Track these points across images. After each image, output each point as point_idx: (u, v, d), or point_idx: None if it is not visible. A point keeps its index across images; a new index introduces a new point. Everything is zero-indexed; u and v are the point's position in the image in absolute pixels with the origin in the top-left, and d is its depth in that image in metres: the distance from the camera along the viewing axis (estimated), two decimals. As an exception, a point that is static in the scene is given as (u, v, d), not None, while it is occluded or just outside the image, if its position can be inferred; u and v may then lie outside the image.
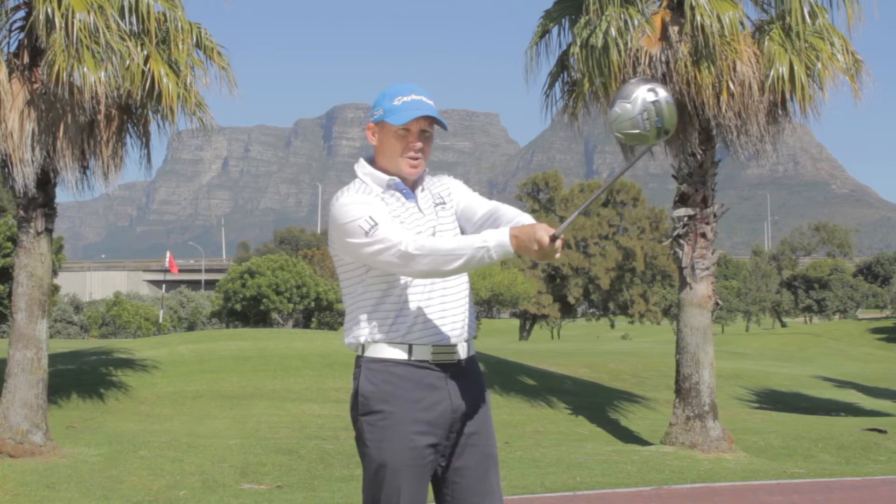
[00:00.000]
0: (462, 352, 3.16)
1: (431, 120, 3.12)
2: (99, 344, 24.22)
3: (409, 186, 3.19)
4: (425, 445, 3.06)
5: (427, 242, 2.94)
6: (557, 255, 2.82)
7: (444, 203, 3.21)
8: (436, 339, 3.10)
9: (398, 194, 3.17)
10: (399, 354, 3.10)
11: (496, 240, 2.84)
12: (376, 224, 2.99)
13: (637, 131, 2.73)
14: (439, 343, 3.10)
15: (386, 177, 3.16)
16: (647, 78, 2.79)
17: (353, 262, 3.13)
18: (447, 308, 3.12)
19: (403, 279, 3.09)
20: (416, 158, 3.14)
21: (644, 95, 2.71)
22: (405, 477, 3.04)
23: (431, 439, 3.08)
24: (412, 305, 3.09)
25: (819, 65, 10.72)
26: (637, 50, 10.58)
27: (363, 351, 3.15)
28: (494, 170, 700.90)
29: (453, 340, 3.12)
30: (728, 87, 10.56)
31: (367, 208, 3.04)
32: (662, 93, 2.75)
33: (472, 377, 3.20)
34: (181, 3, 10.11)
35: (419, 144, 3.13)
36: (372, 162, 3.23)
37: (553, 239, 2.77)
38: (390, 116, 3.10)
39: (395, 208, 3.13)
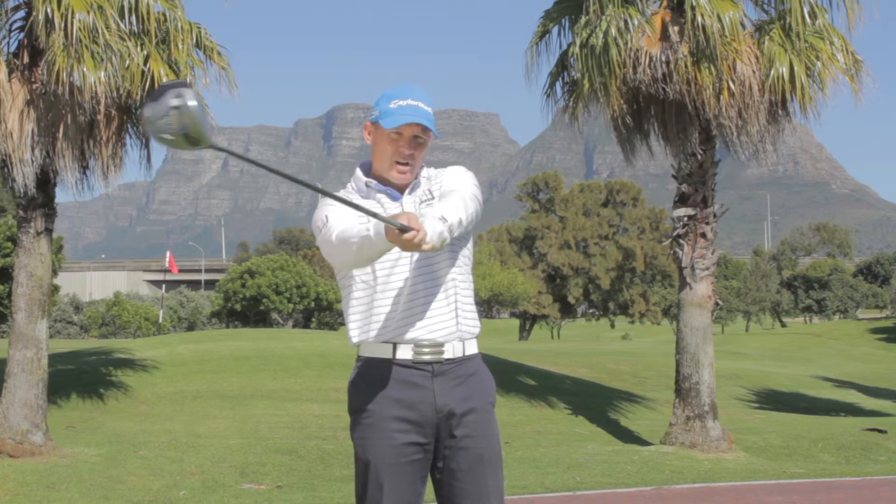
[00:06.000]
0: (451, 351, 3.12)
1: (426, 126, 3.11)
2: (99, 344, 24.22)
3: (399, 188, 3.19)
4: (407, 443, 3.06)
5: (346, 232, 2.93)
6: (438, 246, 2.72)
7: (432, 198, 3.19)
8: (420, 337, 3.08)
9: (382, 196, 3.17)
10: (384, 353, 3.10)
11: (375, 228, 2.77)
12: (327, 221, 3.04)
13: (167, 136, 2.56)
14: (423, 342, 3.09)
15: (364, 179, 3.20)
16: (179, 82, 2.60)
17: None
18: (434, 306, 3.10)
19: (385, 277, 3.09)
20: (406, 165, 3.13)
21: (168, 102, 2.54)
22: (388, 474, 3.05)
23: (414, 437, 3.07)
24: (396, 304, 3.09)
25: (819, 65, 10.72)
26: (637, 50, 10.58)
27: (358, 350, 3.19)
28: (494, 170, 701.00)
29: (440, 339, 3.10)
30: (728, 87, 10.55)
31: (327, 209, 3.10)
32: (184, 100, 2.54)
33: (465, 377, 3.15)
34: (181, 3, 10.10)
35: (408, 151, 3.12)
36: (368, 165, 3.25)
37: (402, 230, 2.66)
38: (384, 119, 3.10)
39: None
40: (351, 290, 3.16)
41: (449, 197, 3.03)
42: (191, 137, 2.57)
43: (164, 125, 2.55)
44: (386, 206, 3.16)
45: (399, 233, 2.65)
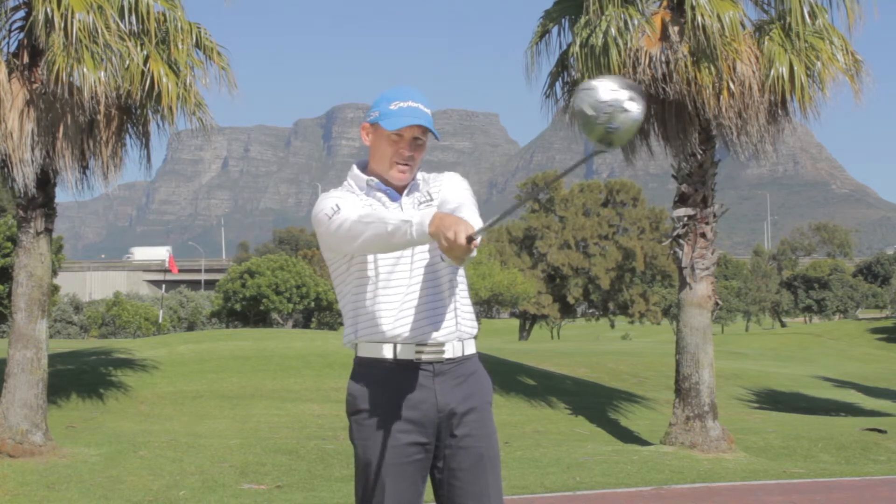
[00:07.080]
0: (451, 350, 3.13)
1: (425, 128, 3.12)
2: (99, 344, 24.22)
3: (397, 189, 3.19)
4: (409, 443, 3.06)
5: (376, 215, 2.92)
6: (467, 259, 2.69)
7: (431, 200, 3.21)
8: (421, 337, 3.08)
9: (382, 195, 3.18)
10: (384, 353, 3.10)
11: (419, 218, 2.76)
12: (339, 209, 3.03)
13: (591, 114, 2.51)
14: (425, 341, 3.09)
15: (365, 177, 3.19)
16: (641, 90, 2.57)
17: (336, 259, 3.16)
18: (434, 306, 3.11)
19: (385, 277, 3.09)
20: (406, 165, 3.14)
21: (625, 97, 2.51)
22: (389, 475, 3.05)
23: (416, 437, 3.07)
24: (396, 303, 3.09)
25: (819, 65, 10.72)
26: (637, 50, 10.58)
27: (356, 350, 3.18)
28: (494, 170, 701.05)
29: (441, 339, 3.11)
30: (728, 87, 10.55)
31: (336, 200, 3.10)
32: (638, 109, 2.53)
33: (465, 376, 3.16)
34: (181, 3, 10.10)
35: (408, 153, 3.13)
36: (364, 165, 3.26)
37: (469, 240, 2.63)
38: (384, 120, 3.11)
39: (374, 206, 3.16)
40: (351, 289, 3.15)
41: (474, 216, 3.02)
42: (607, 137, 2.52)
43: (601, 108, 2.50)
44: (386, 205, 3.17)
45: (466, 243, 2.62)
